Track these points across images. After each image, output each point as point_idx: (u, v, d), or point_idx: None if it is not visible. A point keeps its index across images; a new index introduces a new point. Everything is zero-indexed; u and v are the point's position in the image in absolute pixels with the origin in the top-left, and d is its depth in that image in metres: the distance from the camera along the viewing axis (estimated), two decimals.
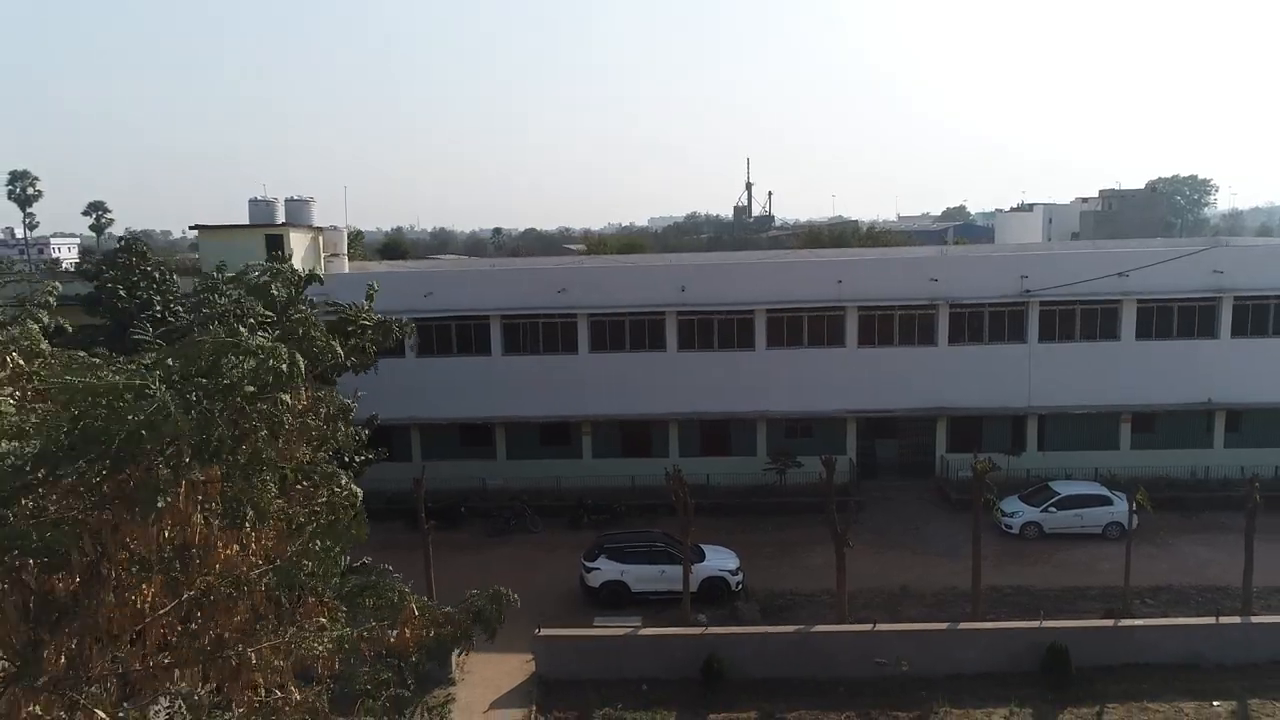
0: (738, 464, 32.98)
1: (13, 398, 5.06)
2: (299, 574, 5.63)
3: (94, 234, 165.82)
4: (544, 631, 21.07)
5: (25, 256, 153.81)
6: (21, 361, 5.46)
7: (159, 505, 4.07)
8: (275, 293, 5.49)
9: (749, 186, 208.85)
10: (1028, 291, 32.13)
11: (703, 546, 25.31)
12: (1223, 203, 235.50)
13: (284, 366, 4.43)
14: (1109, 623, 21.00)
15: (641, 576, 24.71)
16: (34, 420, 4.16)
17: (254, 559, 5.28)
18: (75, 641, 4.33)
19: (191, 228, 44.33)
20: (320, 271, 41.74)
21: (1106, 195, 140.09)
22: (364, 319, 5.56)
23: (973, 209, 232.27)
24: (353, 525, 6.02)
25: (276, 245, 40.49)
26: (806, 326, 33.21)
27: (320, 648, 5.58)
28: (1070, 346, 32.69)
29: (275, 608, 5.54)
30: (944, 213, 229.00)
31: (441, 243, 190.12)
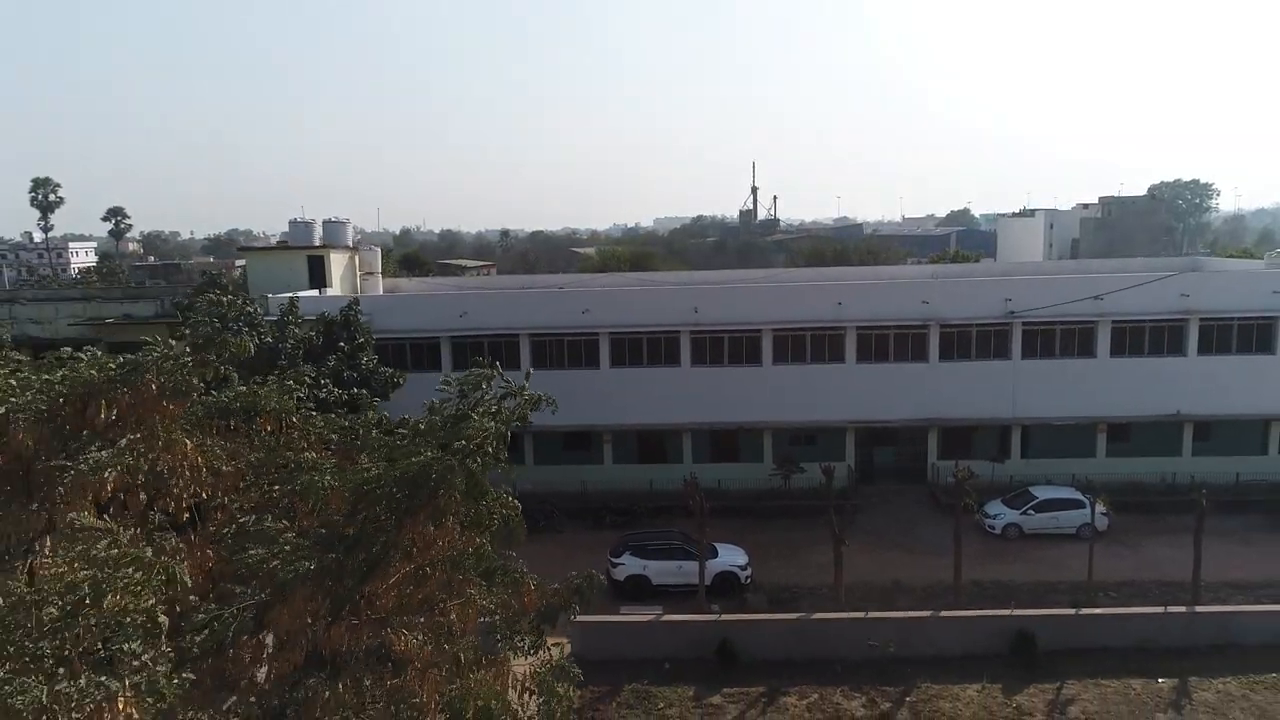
0: (746, 470, 35.97)
1: (324, 457, 8.22)
2: (472, 558, 8.70)
3: (112, 239, 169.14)
4: (579, 618, 24.04)
5: (44, 260, 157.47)
6: (296, 420, 8.52)
7: (444, 519, 7.10)
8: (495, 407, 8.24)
9: (754, 191, 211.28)
10: (1012, 313, 35.15)
11: (716, 544, 28.34)
12: (1228, 204, 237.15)
13: (497, 435, 7.53)
14: (1071, 611, 24.08)
15: (661, 571, 27.82)
16: (373, 471, 7.23)
17: (450, 547, 8.33)
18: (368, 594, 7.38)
19: (240, 249, 47.70)
20: (358, 291, 44.91)
21: (1106, 202, 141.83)
22: (525, 394, 8.35)
23: (978, 210, 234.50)
24: (517, 528, 9.11)
25: (318, 266, 43.75)
26: (809, 344, 36.24)
27: (492, 606, 8.63)
28: (1051, 363, 35.66)
29: (459, 581, 8.60)
30: (948, 215, 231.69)
31: (450, 244, 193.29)
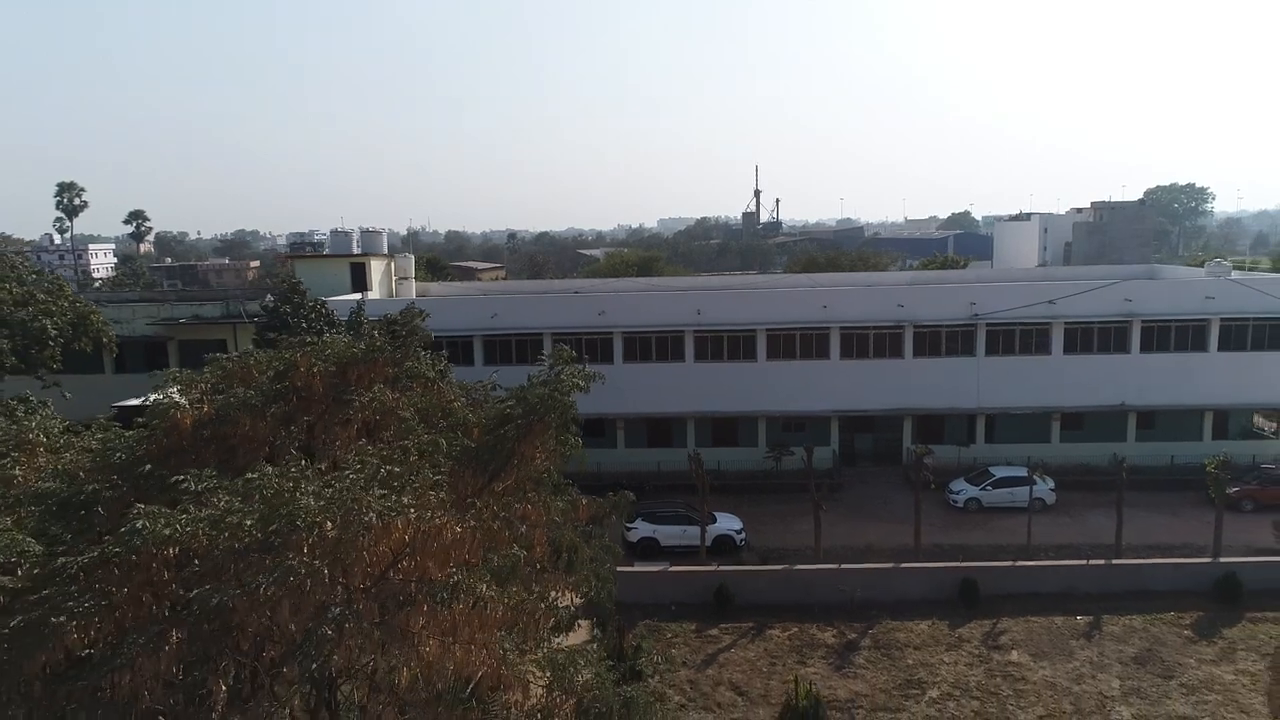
0: (743, 453, 40.83)
1: (459, 402, 13.09)
2: (548, 479, 13.55)
3: (132, 240, 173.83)
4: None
5: (65, 261, 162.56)
6: (441, 384, 13.40)
7: (546, 433, 11.90)
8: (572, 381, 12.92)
9: (757, 194, 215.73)
10: (976, 315, 39.96)
11: (715, 513, 33.18)
12: (1232, 207, 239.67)
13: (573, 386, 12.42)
14: (1008, 563, 28.89)
15: (669, 534, 32.68)
16: (510, 403, 12.10)
17: (536, 468, 13.15)
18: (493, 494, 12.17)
19: (289, 256, 52.66)
20: (393, 295, 49.65)
21: (1098, 207, 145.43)
22: (584, 369, 13.19)
23: (980, 213, 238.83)
24: (581, 453, 13.97)
25: (359, 272, 48.66)
26: (799, 342, 41.08)
27: (561, 506, 13.46)
28: (1011, 359, 40.44)
29: (541, 492, 13.41)
30: (949, 218, 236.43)
31: (457, 246, 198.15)
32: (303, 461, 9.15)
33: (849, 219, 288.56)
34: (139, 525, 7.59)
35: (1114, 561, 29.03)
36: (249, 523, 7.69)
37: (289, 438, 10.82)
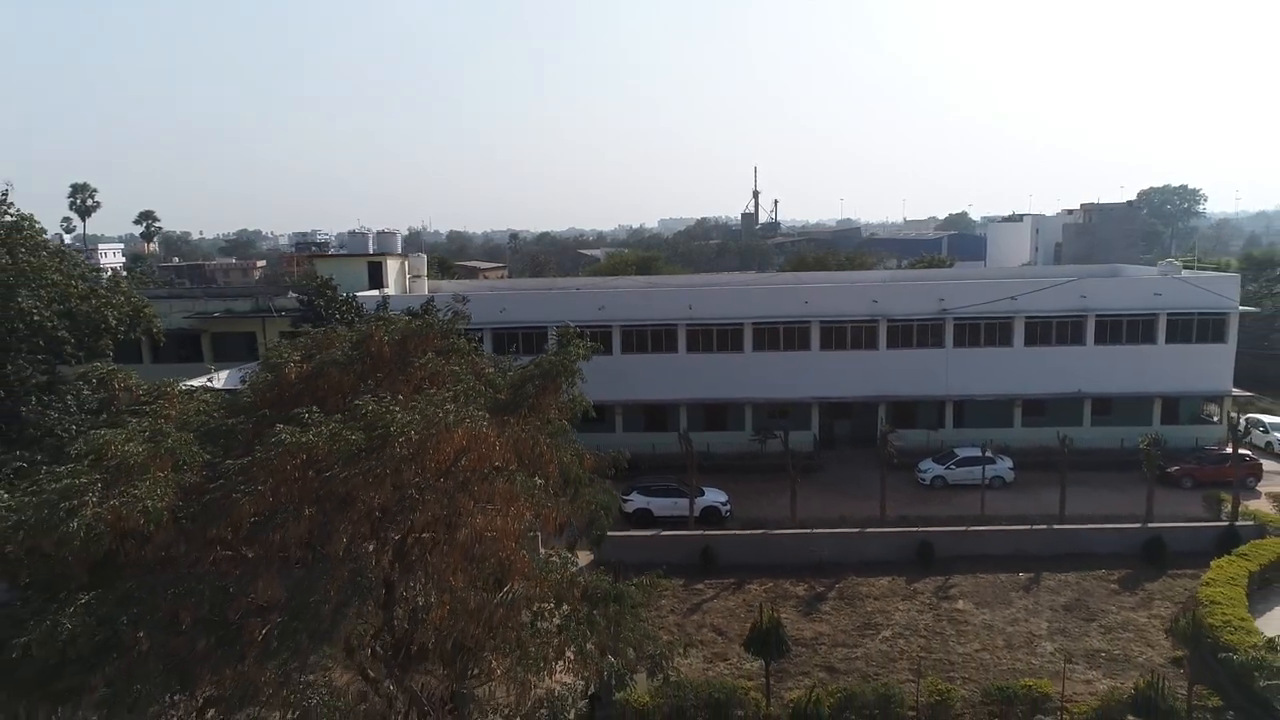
0: (731, 436, 44.44)
1: (491, 369, 16.59)
2: (560, 433, 17.16)
3: (142, 240, 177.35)
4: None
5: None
6: (476, 357, 17.02)
7: (558, 391, 15.43)
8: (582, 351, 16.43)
9: (755, 195, 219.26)
10: (944, 310, 43.56)
11: (703, 488, 36.78)
12: (1229, 208, 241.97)
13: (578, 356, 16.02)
14: (961, 528, 32.51)
15: (661, 506, 36.31)
16: (530, 367, 15.70)
17: (550, 423, 16.69)
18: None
19: (310, 257, 56.27)
20: (407, 292, 53.12)
21: (1088, 208, 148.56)
22: (586, 343, 16.68)
23: (979, 213, 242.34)
24: (588, 410, 17.58)
25: (377, 271, 52.25)
26: (782, 335, 44.70)
27: (568, 458, 17.05)
28: (977, 351, 44.07)
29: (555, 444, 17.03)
30: (946, 218, 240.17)
31: (459, 246, 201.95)
32: (386, 396, 12.76)
33: (849, 219, 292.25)
34: (283, 438, 11.18)
35: (1055, 527, 32.63)
36: (355, 436, 11.29)
37: (364, 391, 14.37)
